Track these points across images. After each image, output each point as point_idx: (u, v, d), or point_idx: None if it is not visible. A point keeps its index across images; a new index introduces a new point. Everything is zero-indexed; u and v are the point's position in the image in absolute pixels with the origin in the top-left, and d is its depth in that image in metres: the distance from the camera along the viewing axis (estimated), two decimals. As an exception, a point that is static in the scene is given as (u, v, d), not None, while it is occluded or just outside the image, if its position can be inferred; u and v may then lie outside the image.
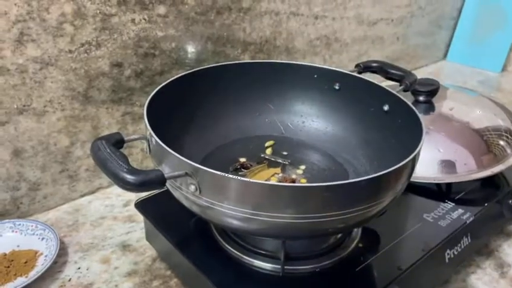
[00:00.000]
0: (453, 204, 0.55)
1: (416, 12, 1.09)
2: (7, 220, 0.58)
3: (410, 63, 1.17)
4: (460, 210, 0.54)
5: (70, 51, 0.57)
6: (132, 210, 0.63)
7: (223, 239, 0.48)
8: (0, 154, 0.57)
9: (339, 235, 0.48)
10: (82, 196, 0.67)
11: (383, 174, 0.37)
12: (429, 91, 0.65)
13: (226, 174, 0.35)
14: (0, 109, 0.55)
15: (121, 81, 0.63)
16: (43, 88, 0.57)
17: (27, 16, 0.52)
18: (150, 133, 0.41)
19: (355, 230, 0.50)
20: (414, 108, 0.47)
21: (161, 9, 0.63)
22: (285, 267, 0.44)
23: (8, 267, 0.52)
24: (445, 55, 1.28)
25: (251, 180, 0.36)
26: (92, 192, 0.68)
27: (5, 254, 0.54)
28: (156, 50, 0.65)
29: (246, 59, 0.77)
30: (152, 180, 0.34)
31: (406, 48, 1.12)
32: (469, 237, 0.54)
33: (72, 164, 0.64)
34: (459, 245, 0.52)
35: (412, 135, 0.45)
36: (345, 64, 0.97)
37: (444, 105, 0.67)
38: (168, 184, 0.42)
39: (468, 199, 0.57)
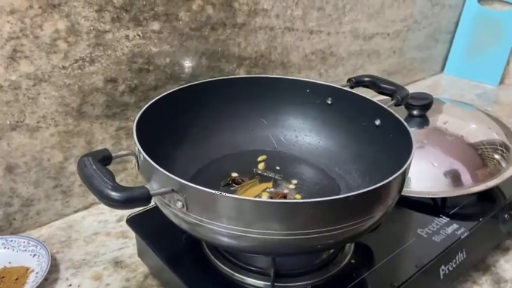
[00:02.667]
0: (448, 219, 0.55)
1: (412, 26, 1.09)
2: (-1, 236, 0.58)
3: (407, 76, 1.17)
4: (455, 225, 0.54)
5: (64, 68, 0.58)
6: (125, 225, 0.62)
7: (214, 256, 0.48)
8: (-7, 170, 0.57)
9: (331, 251, 0.48)
10: (76, 212, 0.66)
11: (372, 190, 0.37)
12: (423, 105, 0.65)
13: (212, 191, 0.35)
14: (-7, 125, 0.55)
15: (115, 97, 0.63)
16: (36, 104, 0.57)
17: (20, 33, 0.53)
18: (138, 149, 0.41)
19: (347, 245, 0.49)
20: (404, 123, 0.47)
21: (156, 26, 0.64)
22: (276, 284, 0.44)
23: (-1, 284, 0.52)
24: (442, 68, 1.28)
25: (237, 196, 0.35)
26: (86, 208, 0.67)
27: (-4, 271, 0.53)
28: (150, 66, 0.65)
29: (241, 73, 0.77)
30: (136, 197, 0.34)
31: (403, 61, 1.13)
32: (464, 253, 0.53)
33: (65, 180, 0.63)
34: (454, 260, 0.52)
35: (403, 150, 0.44)
36: (341, 78, 0.97)
37: (439, 119, 0.67)
38: (157, 201, 0.42)
39: (463, 214, 0.56)
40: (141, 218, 0.54)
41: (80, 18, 0.57)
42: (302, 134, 0.60)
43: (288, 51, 0.84)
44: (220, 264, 0.47)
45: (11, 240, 0.57)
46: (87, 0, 0.56)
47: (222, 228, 0.38)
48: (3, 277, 0.53)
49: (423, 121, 0.66)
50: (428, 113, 0.67)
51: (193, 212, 0.38)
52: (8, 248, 0.56)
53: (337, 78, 0.96)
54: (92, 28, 0.58)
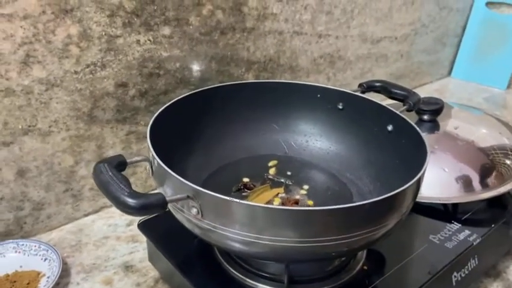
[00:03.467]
0: (460, 225, 0.54)
1: (420, 30, 1.09)
2: (11, 240, 0.58)
3: (415, 80, 1.17)
4: (467, 232, 0.53)
5: (76, 72, 0.58)
6: (135, 229, 0.62)
7: (226, 261, 0.48)
8: (5, 174, 0.57)
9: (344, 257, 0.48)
10: (86, 215, 0.67)
11: (387, 197, 0.37)
12: (434, 110, 0.65)
13: (228, 198, 0.35)
14: (6, 130, 0.55)
15: (125, 101, 0.64)
16: (48, 109, 0.57)
17: (33, 38, 0.53)
18: (152, 155, 0.41)
19: (360, 251, 0.49)
20: (418, 129, 0.47)
21: (166, 30, 0.64)
22: (289, 290, 0.44)
23: (10, 288, 0.52)
24: (450, 72, 1.27)
25: (253, 203, 0.35)
26: (96, 212, 0.67)
27: (8, 275, 0.53)
28: (161, 70, 0.65)
29: (250, 77, 0.77)
30: (153, 204, 0.34)
31: (410, 65, 1.13)
32: (476, 259, 0.53)
33: (76, 184, 0.64)
34: (466, 267, 0.52)
35: (416, 156, 0.44)
36: (349, 82, 0.97)
37: (449, 124, 0.67)
38: (170, 206, 0.42)
39: (475, 220, 0.56)
40: (152, 222, 0.54)
41: (92, 24, 0.57)
42: (313, 139, 0.60)
43: (297, 55, 0.84)
44: (231, 269, 0.47)
45: (22, 244, 0.57)
46: (99, 6, 0.56)
47: (235, 235, 0.37)
48: (14, 281, 0.53)
49: (434, 126, 0.65)
50: (438, 118, 0.67)
51: (208, 218, 0.38)
52: (19, 252, 0.57)
53: (345, 82, 0.96)
54: (103, 33, 0.58)
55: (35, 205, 0.61)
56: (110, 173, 0.36)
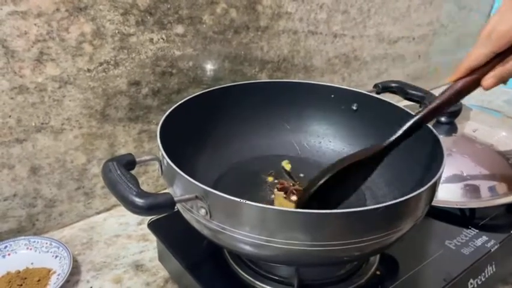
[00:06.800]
0: (477, 230, 0.53)
1: (439, 31, 1.07)
2: (22, 237, 0.58)
3: (432, 81, 1.14)
4: (484, 238, 0.52)
5: (89, 70, 0.58)
6: (146, 228, 0.62)
7: (235, 263, 0.47)
8: (18, 171, 0.57)
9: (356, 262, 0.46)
10: (98, 213, 0.67)
11: (401, 201, 0.35)
12: (452, 112, 0.63)
13: (236, 198, 0.34)
14: (19, 127, 0.55)
15: (138, 100, 0.64)
16: (61, 106, 0.57)
17: (47, 36, 0.53)
18: (162, 154, 0.40)
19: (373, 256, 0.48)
20: (434, 131, 0.46)
21: (179, 29, 0.63)
22: (299, 294, 0.43)
23: (21, 285, 0.52)
24: (469, 73, 1.24)
25: (262, 205, 0.35)
26: (108, 210, 0.67)
27: (19, 272, 0.54)
28: (173, 69, 0.65)
29: (264, 77, 0.76)
30: (161, 204, 0.34)
31: (428, 66, 1.10)
32: (493, 266, 0.51)
33: (88, 181, 0.64)
34: (483, 274, 0.50)
35: (432, 159, 0.43)
36: (365, 82, 0.95)
37: (468, 126, 0.65)
38: (179, 206, 0.41)
39: (493, 225, 0.54)
40: (162, 222, 0.53)
41: (106, 22, 0.57)
42: (326, 140, 0.59)
43: (311, 55, 0.83)
44: (241, 271, 0.46)
45: (34, 241, 0.57)
46: (112, 4, 0.56)
47: (244, 237, 0.37)
48: (25, 278, 0.53)
49: (452, 128, 0.64)
50: (456, 120, 0.65)
51: (216, 220, 0.37)
52: (31, 249, 0.57)
53: (361, 83, 0.95)
54: (117, 31, 0.58)
55: (47, 202, 0.61)
56: (119, 172, 0.36)
